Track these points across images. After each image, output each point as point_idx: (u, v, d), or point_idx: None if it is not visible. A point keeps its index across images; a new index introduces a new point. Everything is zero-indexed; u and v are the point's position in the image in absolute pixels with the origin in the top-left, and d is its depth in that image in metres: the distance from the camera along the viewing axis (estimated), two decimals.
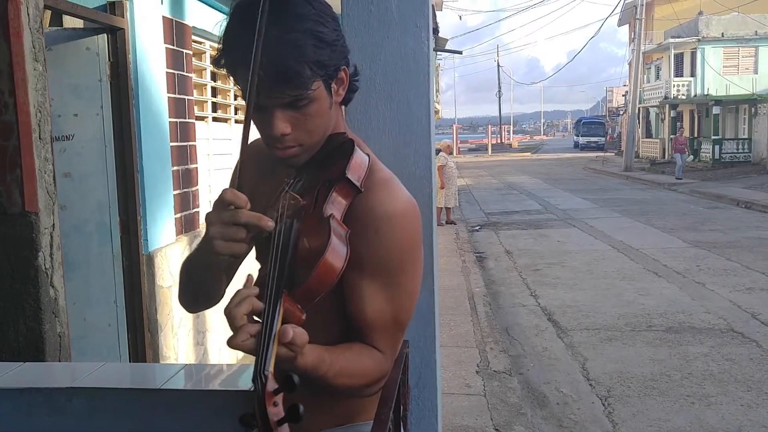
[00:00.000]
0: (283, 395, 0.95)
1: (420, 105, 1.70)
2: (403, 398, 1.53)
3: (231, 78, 1.19)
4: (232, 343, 1.02)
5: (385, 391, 1.28)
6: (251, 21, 1.09)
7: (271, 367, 0.97)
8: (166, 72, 4.01)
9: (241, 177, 1.37)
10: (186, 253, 4.22)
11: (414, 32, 1.68)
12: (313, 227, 1.14)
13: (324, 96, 1.18)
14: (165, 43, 4.00)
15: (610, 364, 5.31)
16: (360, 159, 1.21)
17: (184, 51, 4.28)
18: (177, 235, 4.14)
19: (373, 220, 1.18)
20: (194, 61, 4.51)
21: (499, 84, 63.08)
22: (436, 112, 25.54)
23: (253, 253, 1.42)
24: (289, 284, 1.09)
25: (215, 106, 5.11)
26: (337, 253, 1.10)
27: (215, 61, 1.19)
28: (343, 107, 1.32)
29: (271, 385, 0.96)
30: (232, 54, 1.15)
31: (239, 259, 1.36)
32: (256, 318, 1.04)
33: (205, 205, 4.67)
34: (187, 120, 4.30)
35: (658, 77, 34.45)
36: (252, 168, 1.42)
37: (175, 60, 4.14)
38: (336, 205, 1.16)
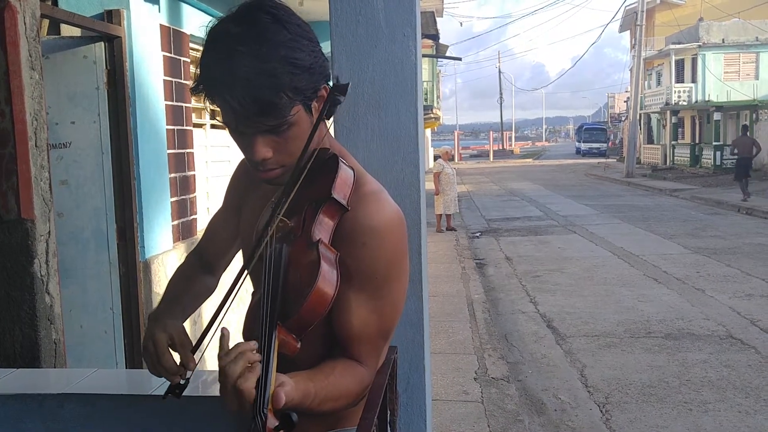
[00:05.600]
0: None
1: (408, 113, 1.72)
2: (390, 404, 1.54)
3: (209, 102, 1.18)
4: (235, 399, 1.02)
5: (370, 397, 1.29)
6: (225, 51, 1.10)
7: (270, 404, 0.99)
8: (164, 79, 4.04)
9: (232, 189, 1.46)
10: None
11: (401, 41, 1.70)
12: (301, 251, 1.15)
13: (304, 118, 1.18)
14: (162, 50, 4.03)
15: (608, 371, 5.30)
16: (345, 175, 1.21)
17: (182, 59, 4.30)
18: (174, 242, 4.15)
19: (359, 233, 1.19)
20: (192, 68, 4.53)
21: (500, 90, 63.18)
22: (437, 118, 25.54)
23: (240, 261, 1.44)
24: (283, 314, 1.10)
25: (213, 114, 5.13)
26: (327, 281, 1.11)
27: (193, 89, 1.19)
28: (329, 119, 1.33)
29: (272, 422, 0.98)
30: (208, 84, 1.15)
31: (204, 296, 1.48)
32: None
33: (203, 212, 4.69)
34: (184, 127, 4.32)
35: (659, 83, 34.47)
36: (242, 180, 1.45)
37: (173, 67, 4.16)
38: (324, 227, 1.17)
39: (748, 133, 19.34)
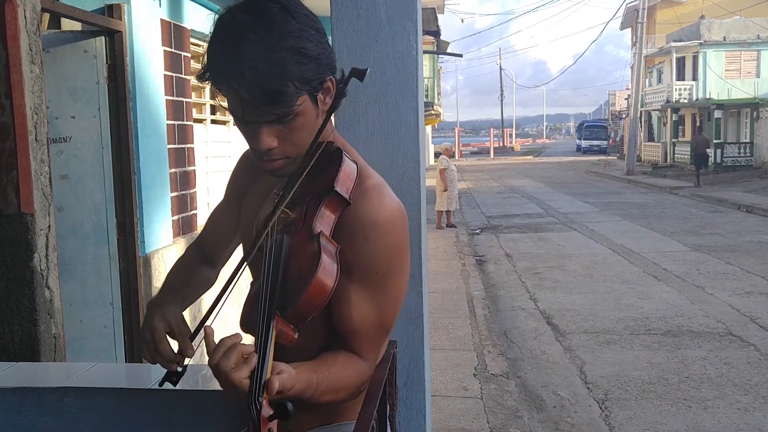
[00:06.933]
0: (277, 422, 0.98)
1: (408, 108, 1.71)
2: (390, 398, 1.54)
3: (215, 90, 1.18)
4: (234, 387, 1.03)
5: (369, 391, 1.29)
6: (233, 41, 1.10)
7: (265, 393, 0.99)
8: (164, 74, 4.03)
9: (234, 181, 1.47)
10: None
11: (402, 35, 1.69)
12: (302, 243, 1.15)
13: (310, 108, 1.18)
14: (163, 45, 4.02)
15: (607, 368, 5.31)
16: (348, 169, 1.21)
17: (182, 53, 4.30)
18: (174, 237, 4.15)
19: (362, 227, 1.19)
20: (192, 63, 4.52)
21: (501, 87, 63.10)
22: (438, 115, 25.49)
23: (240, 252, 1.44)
24: (282, 304, 1.10)
25: (214, 109, 5.13)
26: (327, 273, 1.11)
27: (199, 76, 1.19)
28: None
29: (266, 411, 0.97)
30: (215, 71, 1.15)
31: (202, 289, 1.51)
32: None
33: (203, 207, 4.68)
34: (185, 122, 4.32)
35: (660, 81, 34.42)
36: (244, 172, 1.45)
37: (173, 62, 4.15)
38: (325, 220, 1.17)
39: (703, 133, 25.21)
